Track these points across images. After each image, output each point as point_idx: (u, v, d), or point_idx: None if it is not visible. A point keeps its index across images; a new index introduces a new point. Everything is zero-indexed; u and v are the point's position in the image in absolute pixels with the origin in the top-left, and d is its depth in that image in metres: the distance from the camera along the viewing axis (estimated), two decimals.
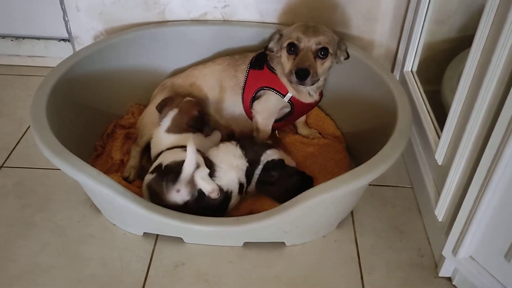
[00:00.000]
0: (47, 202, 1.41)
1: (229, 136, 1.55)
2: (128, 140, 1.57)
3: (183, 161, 1.14)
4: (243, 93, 1.49)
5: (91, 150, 1.53)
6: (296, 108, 1.46)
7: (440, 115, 1.36)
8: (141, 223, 1.28)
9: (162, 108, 1.42)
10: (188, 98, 1.44)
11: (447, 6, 1.52)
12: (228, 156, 1.30)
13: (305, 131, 1.63)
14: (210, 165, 1.24)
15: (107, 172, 1.42)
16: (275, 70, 1.44)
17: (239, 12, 1.67)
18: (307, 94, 1.45)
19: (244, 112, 1.52)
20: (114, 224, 1.34)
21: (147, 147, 1.46)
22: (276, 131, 1.60)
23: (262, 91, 1.46)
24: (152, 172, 1.24)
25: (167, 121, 1.38)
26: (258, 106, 1.47)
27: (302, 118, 1.62)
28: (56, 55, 1.87)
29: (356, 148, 1.57)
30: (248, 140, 1.43)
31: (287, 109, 1.48)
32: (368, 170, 1.12)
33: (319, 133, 1.63)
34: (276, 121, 1.50)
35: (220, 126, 1.54)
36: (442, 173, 1.19)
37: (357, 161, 1.53)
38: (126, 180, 1.40)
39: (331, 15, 1.64)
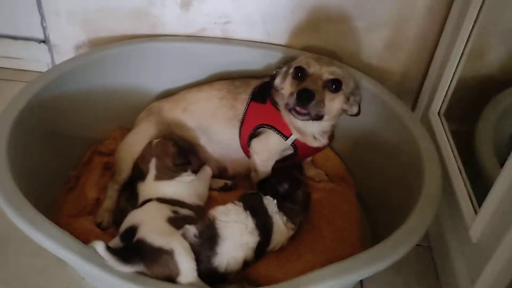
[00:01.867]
0: (5, 244, 1.21)
1: (220, 171, 1.35)
2: (107, 171, 1.36)
3: (161, 250, 0.95)
4: (241, 127, 1.29)
5: (64, 180, 1.32)
6: (300, 151, 1.26)
7: (470, 164, 1.17)
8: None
9: (140, 167, 1.22)
10: (156, 140, 1.25)
11: (484, 40, 1.30)
12: (239, 228, 1.05)
13: (311, 172, 1.43)
14: (212, 234, 1.03)
15: (78, 214, 1.22)
16: (279, 106, 1.23)
17: (242, 30, 1.45)
18: (311, 137, 1.24)
19: (241, 148, 1.31)
20: (84, 278, 1.15)
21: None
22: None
23: (262, 129, 1.25)
24: (120, 237, 1.04)
25: (152, 172, 1.19)
26: (256, 145, 1.26)
27: (309, 158, 1.42)
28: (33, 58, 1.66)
29: (369, 197, 1.37)
30: (254, 198, 1.16)
31: (290, 151, 1.27)
32: (385, 254, 0.92)
33: (326, 175, 1.43)
34: (277, 161, 1.29)
35: (211, 160, 1.33)
36: (476, 253, 0.99)
37: (368, 215, 1.33)
38: (98, 227, 1.19)
39: (347, 40, 1.42)
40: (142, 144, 1.25)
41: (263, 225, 1.08)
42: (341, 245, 1.16)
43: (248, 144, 1.27)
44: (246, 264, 1.05)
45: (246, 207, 1.09)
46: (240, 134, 1.29)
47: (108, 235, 1.15)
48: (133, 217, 1.07)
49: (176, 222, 1.05)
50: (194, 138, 1.33)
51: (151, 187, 1.16)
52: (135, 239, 0.98)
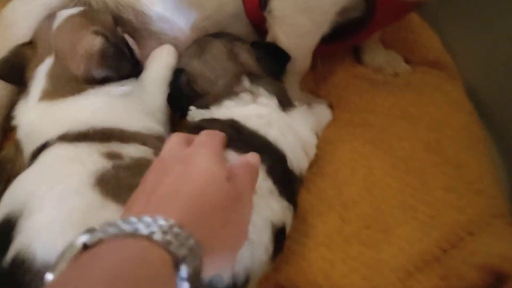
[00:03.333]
0: None
1: None
2: None
3: None
4: None
5: None
6: (381, 9, 0.59)
7: None
8: None
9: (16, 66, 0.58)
10: (69, 12, 0.59)
11: None
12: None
13: (379, 56, 0.77)
14: None
15: None
16: None
17: None
18: None
19: (244, 13, 0.66)
20: None
21: None
22: (319, 60, 0.73)
23: None
24: None
25: (39, 81, 0.55)
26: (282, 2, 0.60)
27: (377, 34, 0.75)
28: None
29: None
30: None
31: (356, 12, 0.61)
32: None
33: (407, 62, 0.77)
34: (326, 39, 0.64)
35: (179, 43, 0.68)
36: None
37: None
38: None
39: None
40: (30, 19, 0.60)
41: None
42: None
43: (263, 4, 0.61)
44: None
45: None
46: None
47: None
48: (14, 193, 0.47)
49: (119, 182, 0.46)
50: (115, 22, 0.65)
51: (36, 118, 0.54)
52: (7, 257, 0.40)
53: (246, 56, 0.59)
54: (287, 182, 0.53)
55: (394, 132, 0.66)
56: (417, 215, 0.57)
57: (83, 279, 0.26)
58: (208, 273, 0.33)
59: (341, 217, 0.57)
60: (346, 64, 0.75)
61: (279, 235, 0.50)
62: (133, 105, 0.56)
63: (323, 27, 0.61)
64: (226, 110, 0.54)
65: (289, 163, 0.54)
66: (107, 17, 0.59)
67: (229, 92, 0.55)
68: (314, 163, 0.64)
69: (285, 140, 0.53)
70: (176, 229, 0.30)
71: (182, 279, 0.28)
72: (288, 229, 0.52)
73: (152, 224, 0.29)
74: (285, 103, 0.56)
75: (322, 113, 0.70)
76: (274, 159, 0.52)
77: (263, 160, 0.47)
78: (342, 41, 0.65)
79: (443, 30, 0.78)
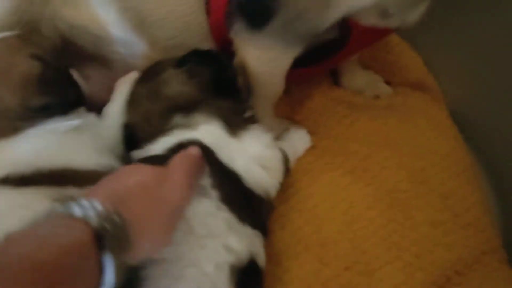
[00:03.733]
0: None
1: None
2: None
3: None
4: None
5: None
6: (356, 32, 0.55)
7: None
8: None
9: None
10: (2, 35, 0.53)
11: None
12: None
13: (358, 79, 0.72)
14: None
15: None
16: None
17: None
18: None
19: (209, 33, 0.60)
20: None
21: None
22: (293, 84, 0.69)
23: None
24: None
25: None
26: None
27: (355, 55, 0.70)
28: None
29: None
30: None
31: (331, 34, 0.56)
32: None
33: (387, 83, 0.73)
34: (300, 62, 0.59)
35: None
36: None
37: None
38: None
39: None
40: None
41: None
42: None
43: (229, 23, 0.57)
44: None
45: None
46: (208, 6, 0.58)
47: None
48: None
49: None
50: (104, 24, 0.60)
51: None
52: None
53: (176, 85, 0.53)
54: (248, 205, 0.48)
55: (376, 161, 0.61)
56: (401, 254, 0.52)
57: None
58: (138, 254, 0.34)
59: (319, 258, 0.52)
60: (323, 87, 0.71)
61: (249, 273, 0.44)
62: (86, 140, 0.50)
63: (296, 50, 0.56)
64: (163, 144, 0.49)
65: (246, 183, 0.49)
66: (47, 40, 0.54)
67: (163, 130, 0.50)
68: (290, 197, 0.59)
69: (236, 163, 0.48)
70: (97, 205, 0.31)
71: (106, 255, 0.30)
72: (262, 261, 0.46)
73: (82, 205, 0.31)
74: (235, 123, 0.51)
75: (300, 139, 0.65)
76: (226, 183, 0.47)
77: (213, 186, 0.44)
78: (317, 65, 0.60)
79: (424, 50, 0.74)
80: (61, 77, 0.51)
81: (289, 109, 0.69)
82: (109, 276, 0.30)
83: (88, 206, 0.31)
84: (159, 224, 0.36)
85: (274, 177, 0.53)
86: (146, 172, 0.38)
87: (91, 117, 0.53)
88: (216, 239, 0.43)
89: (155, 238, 0.36)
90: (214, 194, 0.45)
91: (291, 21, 0.52)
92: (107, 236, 0.31)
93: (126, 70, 0.57)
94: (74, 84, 0.53)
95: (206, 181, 0.45)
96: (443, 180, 0.60)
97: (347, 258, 0.52)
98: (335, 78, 0.73)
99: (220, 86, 0.53)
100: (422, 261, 0.52)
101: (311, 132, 0.66)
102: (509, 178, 0.65)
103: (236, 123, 0.51)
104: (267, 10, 0.52)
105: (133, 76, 0.57)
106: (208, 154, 0.46)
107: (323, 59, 0.59)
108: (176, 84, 0.52)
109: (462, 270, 0.52)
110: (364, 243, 0.54)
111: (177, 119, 0.50)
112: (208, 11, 0.58)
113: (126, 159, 0.54)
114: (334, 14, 0.51)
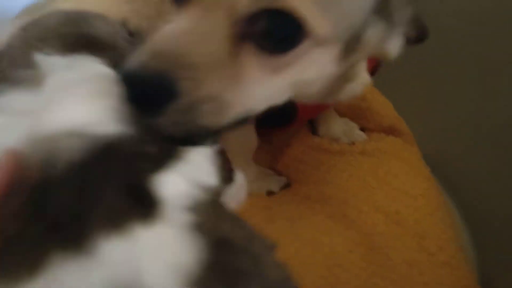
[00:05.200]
0: None
1: None
2: None
3: None
4: None
5: None
6: (302, 111, 0.59)
7: None
8: None
9: None
10: None
11: None
12: None
13: (334, 128, 0.77)
14: None
15: None
16: None
17: None
18: None
19: None
20: None
21: None
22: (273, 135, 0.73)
23: None
24: None
25: None
26: None
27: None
28: None
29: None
30: None
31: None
32: None
33: (362, 129, 0.78)
34: (261, 124, 0.63)
35: None
36: None
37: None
38: None
39: None
40: None
41: None
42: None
43: None
44: None
45: None
46: None
47: None
48: None
49: None
50: None
51: None
52: None
53: None
54: None
55: (354, 205, 0.64)
56: None
57: None
58: None
59: None
60: (301, 135, 0.75)
61: None
62: None
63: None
64: None
65: None
66: None
67: None
68: None
69: None
70: None
71: None
72: None
73: None
74: None
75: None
76: None
77: None
78: (276, 127, 0.64)
79: (394, 96, 0.79)
80: None
81: (270, 157, 0.73)
82: None
83: None
84: None
85: None
86: None
87: None
88: None
89: None
90: None
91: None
92: None
93: None
94: None
95: None
96: (417, 220, 0.63)
97: None
98: (313, 127, 0.77)
99: None
100: None
101: (293, 180, 0.70)
102: (481, 215, 0.68)
103: None
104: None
105: None
106: None
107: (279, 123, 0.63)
108: None
109: None
110: (345, 287, 0.56)
111: None
112: None
113: None
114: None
